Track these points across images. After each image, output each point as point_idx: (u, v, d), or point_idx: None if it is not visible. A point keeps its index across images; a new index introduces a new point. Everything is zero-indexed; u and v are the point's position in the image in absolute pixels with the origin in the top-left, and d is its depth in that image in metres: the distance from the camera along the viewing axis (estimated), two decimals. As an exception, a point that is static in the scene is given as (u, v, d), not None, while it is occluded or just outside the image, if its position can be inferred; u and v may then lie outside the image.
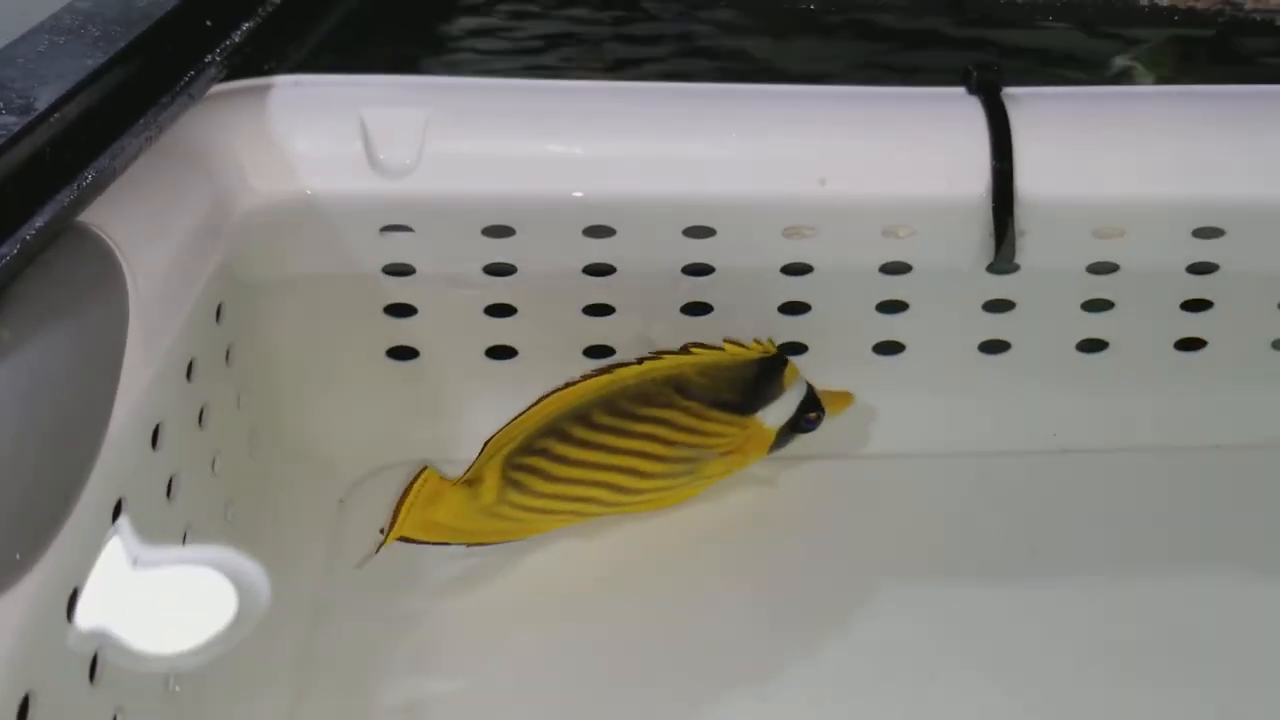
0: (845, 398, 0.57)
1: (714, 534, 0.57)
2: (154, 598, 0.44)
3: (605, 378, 0.53)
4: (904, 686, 0.51)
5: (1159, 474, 0.61)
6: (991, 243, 0.56)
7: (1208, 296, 0.59)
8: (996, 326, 0.60)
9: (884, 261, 0.57)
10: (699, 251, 0.57)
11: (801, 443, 0.57)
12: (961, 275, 0.58)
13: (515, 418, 0.53)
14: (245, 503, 0.54)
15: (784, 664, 0.51)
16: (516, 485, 0.52)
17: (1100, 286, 0.59)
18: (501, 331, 0.59)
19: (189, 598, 0.49)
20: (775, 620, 0.53)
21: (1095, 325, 0.60)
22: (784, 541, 0.57)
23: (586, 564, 0.55)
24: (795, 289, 0.58)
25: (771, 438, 0.55)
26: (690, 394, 0.53)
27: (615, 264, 0.57)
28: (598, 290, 0.58)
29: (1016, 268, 0.57)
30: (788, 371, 0.55)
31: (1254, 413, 0.62)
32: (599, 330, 0.59)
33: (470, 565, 0.55)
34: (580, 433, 0.52)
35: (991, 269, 0.58)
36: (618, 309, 0.58)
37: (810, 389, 0.56)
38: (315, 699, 0.50)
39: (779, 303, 0.59)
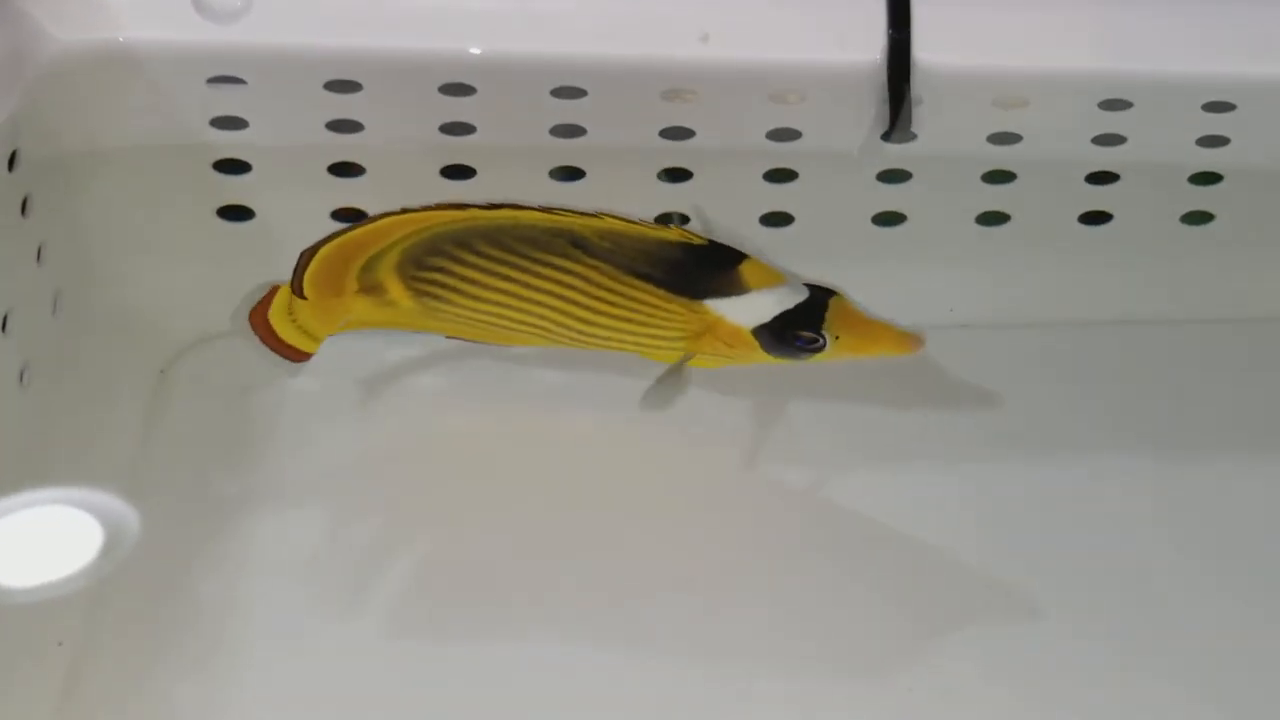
0: (900, 340, 0.50)
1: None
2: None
3: (472, 212, 0.48)
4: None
5: (1060, 350, 0.59)
6: (887, 111, 0.52)
7: (1114, 169, 0.55)
8: (892, 198, 0.56)
9: (771, 128, 0.53)
10: (569, 113, 0.52)
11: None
12: (855, 144, 0.53)
13: (350, 230, 0.48)
14: (45, 368, 0.49)
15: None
16: (429, 295, 0.49)
17: (1001, 158, 0.55)
18: (348, 193, 0.53)
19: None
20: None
21: (995, 198, 0.56)
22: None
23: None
24: (676, 155, 0.54)
25: (748, 337, 0.50)
26: (593, 253, 0.49)
27: (475, 124, 0.52)
28: (455, 151, 0.53)
29: (913, 137, 0.53)
30: (748, 269, 0.50)
31: (1160, 288, 0.60)
32: (457, 193, 0.53)
33: (304, 436, 0.51)
34: (469, 257, 0.49)
35: (887, 139, 0.53)
36: (478, 171, 0.53)
37: (814, 303, 0.49)
38: (126, 580, 0.46)
39: (659, 169, 0.54)
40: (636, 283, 0.49)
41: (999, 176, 0.55)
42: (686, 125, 0.53)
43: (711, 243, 0.50)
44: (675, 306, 0.50)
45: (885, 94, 0.51)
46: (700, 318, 0.50)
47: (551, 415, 0.53)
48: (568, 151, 0.53)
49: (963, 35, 0.51)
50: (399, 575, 0.46)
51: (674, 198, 0.55)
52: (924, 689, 0.47)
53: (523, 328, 0.51)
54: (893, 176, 0.55)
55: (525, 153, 0.53)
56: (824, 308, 0.49)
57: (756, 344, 0.50)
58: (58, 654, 0.43)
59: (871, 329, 0.50)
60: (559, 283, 0.49)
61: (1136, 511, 0.53)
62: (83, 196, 0.52)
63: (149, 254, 0.54)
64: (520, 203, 0.49)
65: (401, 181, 0.53)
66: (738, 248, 0.50)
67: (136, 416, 0.51)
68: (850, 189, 0.55)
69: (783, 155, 0.54)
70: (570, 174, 0.54)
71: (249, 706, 0.43)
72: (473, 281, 0.49)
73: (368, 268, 0.49)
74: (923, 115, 0.52)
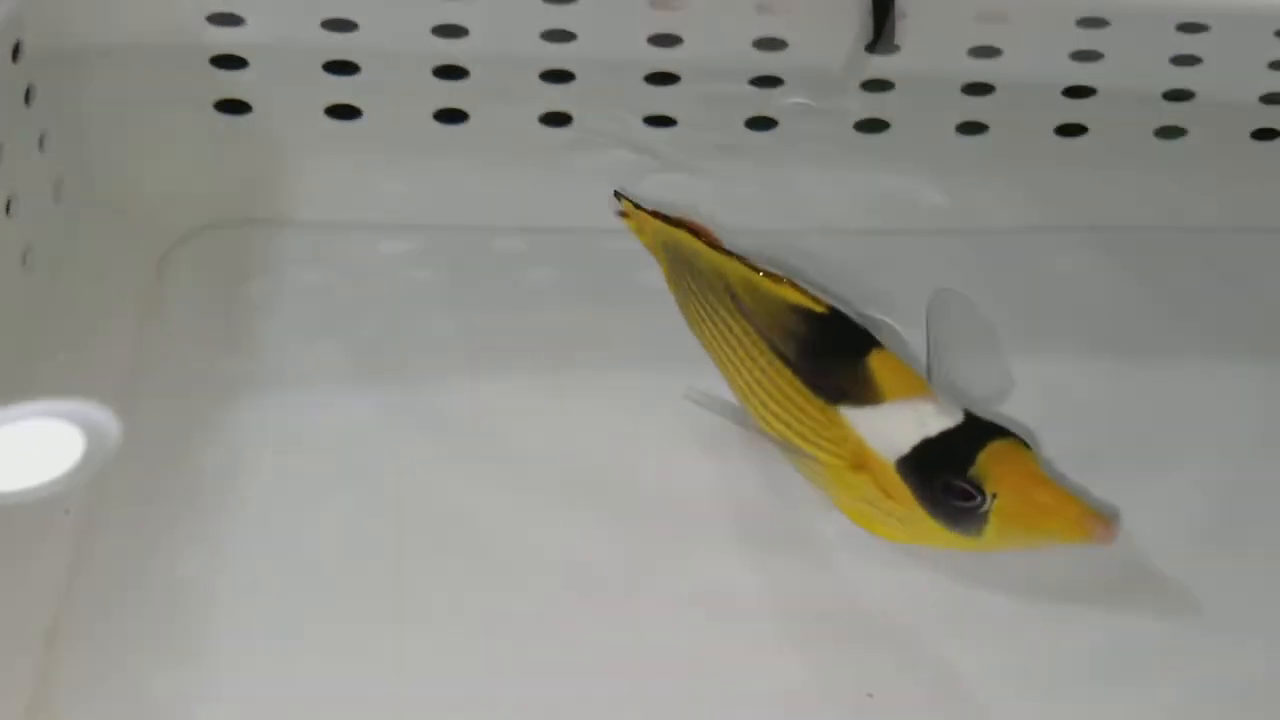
0: (1085, 523, 0.35)
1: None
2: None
3: (657, 223, 0.47)
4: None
5: (1036, 254, 0.58)
6: (871, 23, 0.53)
7: (1091, 84, 0.57)
8: (875, 106, 0.57)
9: (757, 37, 0.54)
10: (560, 18, 0.53)
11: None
12: (839, 54, 0.55)
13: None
14: (48, 252, 0.51)
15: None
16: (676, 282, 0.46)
17: (981, 71, 0.56)
18: (343, 90, 0.55)
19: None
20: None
21: (975, 108, 0.57)
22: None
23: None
24: (664, 60, 0.54)
25: (896, 476, 0.37)
26: (743, 310, 0.41)
27: (467, 27, 0.53)
28: (448, 54, 0.54)
29: (897, 49, 0.55)
30: (878, 363, 0.38)
31: (1132, 196, 0.60)
32: (450, 95, 0.55)
33: (300, 325, 0.52)
34: (684, 274, 0.45)
35: (871, 50, 0.54)
36: (470, 74, 0.54)
37: (967, 433, 0.36)
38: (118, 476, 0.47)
39: (645, 73, 0.55)
40: (778, 364, 0.40)
41: (979, 89, 0.57)
42: (675, 33, 0.53)
43: (833, 311, 0.40)
44: (815, 411, 0.39)
45: (870, 6, 0.52)
46: (844, 435, 0.38)
47: (554, 310, 0.53)
48: (558, 56, 0.54)
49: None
50: (393, 463, 0.48)
51: (662, 100, 0.56)
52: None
53: (730, 370, 0.43)
54: (876, 86, 0.56)
55: (517, 57, 0.54)
56: (980, 446, 0.36)
57: (909, 492, 0.37)
58: (64, 521, 0.45)
59: (1045, 495, 0.36)
60: (727, 340, 0.42)
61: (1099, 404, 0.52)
62: (84, 89, 0.52)
63: (148, 145, 0.55)
64: (696, 223, 0.45)
65: (396, 81, 0.54)
66: (869, 331, 0.40)
67: (134, 301, 0.52)
68: (834, 97, 0.56)
69: (768, 64, 0.55)
70: (560, 77, 0.55)
71: (254, 562, 0.44)
72: (692, 295, 0.44)
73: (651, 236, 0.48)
74: (906, 28, 0.53)
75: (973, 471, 0.35)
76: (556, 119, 0.56)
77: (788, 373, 0.39)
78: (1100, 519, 0.35)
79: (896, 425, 0.37)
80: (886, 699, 0.41)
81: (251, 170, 0.56)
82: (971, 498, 0.35)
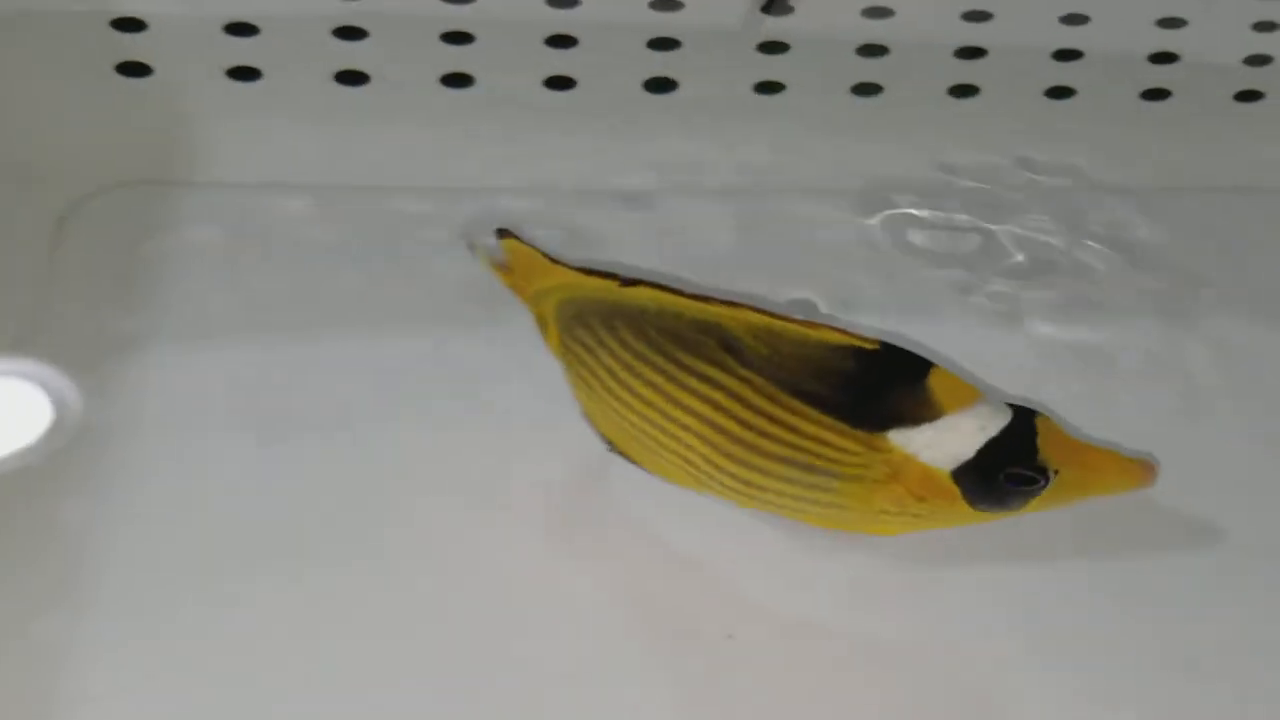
0: (1127, 471, 0.39)
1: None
2: None
3: (608, 285, 0.41)
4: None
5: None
6: (764, -15, 0.54)
7: (982, 44, 0.58)
8: (771, 68, 0.58)
9: (653, -2, 0.55)
10: None
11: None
12: (735, 16, 0.55)
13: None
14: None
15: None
16: (580, 371, 0.42)
17: (875, 32, 0.57)
18: (244, 52, 0.55)
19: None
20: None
21: (869, 70, 0.58)
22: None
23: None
24: (560, 21, 0.55)
25: (946, 482, 0.38)
26: (747, 361, 0.39)
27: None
28: (349, 11, 0.54)
29: (791, 10, 0.55)
30: (938, 382, 0.39)
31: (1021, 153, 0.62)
32: (353, 56, 0.55)
33: (202, 284, 0.52)
34: (612, 343, 0.40)
35: (767, 11, 0.55)
36: (370, 34, 0.55)
37: (1021, 426, 0.38)
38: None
39: (544, 35, 0.56)
40: (800, 406, 0.38)
41: (873, 50, 0.58)
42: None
43: (886, 346, 0.39)
44: (850, 443, 0.38)
45: (763, -32, 0.53)
46: (885, 458, 0.38)
47: (449, 267, 0.54)
48: (457, 16, 0.54)
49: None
50: (291, 420, 0.49)
51: (559, 62, 0.56)
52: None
53: (668, 454, 0.41)
54: (772, 48, 0.57)
55: (416, 17, 0.54)
56: (1034, 432, 0.38)
57: (958, 492, 0.38)
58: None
59: (1093, 457, 0.39)
60: (707, 400, 0.39)
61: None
62: (-18, 51, 0.52)
63: (48, 108, 0.55)
64: (661, 282, 0.41)
65: (297, 41, 0.54)
66: (923, 357, 0.39)
67: (33, 262, 0.52)
68: (731, 58, 0.57)
69: (666, 24, 0.56)
70: (461, 38, 0.55)
71: (148, 514, 0.45)
72: (615, 376, 0.40)
73: (538, 296, 0.43)
74: (799, -11, 0.54)
75: (1040, 458, 0.38)
76: (458, 80, 0.56)
77: (813, 412, 0.38)
78: (1144, 464, 0.39)
79: (958, 435, 0.38)
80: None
81: (152, 132, 0.56)
82: (1036, 481, 0.38)
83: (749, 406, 0.39)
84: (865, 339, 0.39)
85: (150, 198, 0.54)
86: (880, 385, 0.38)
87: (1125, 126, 0.61)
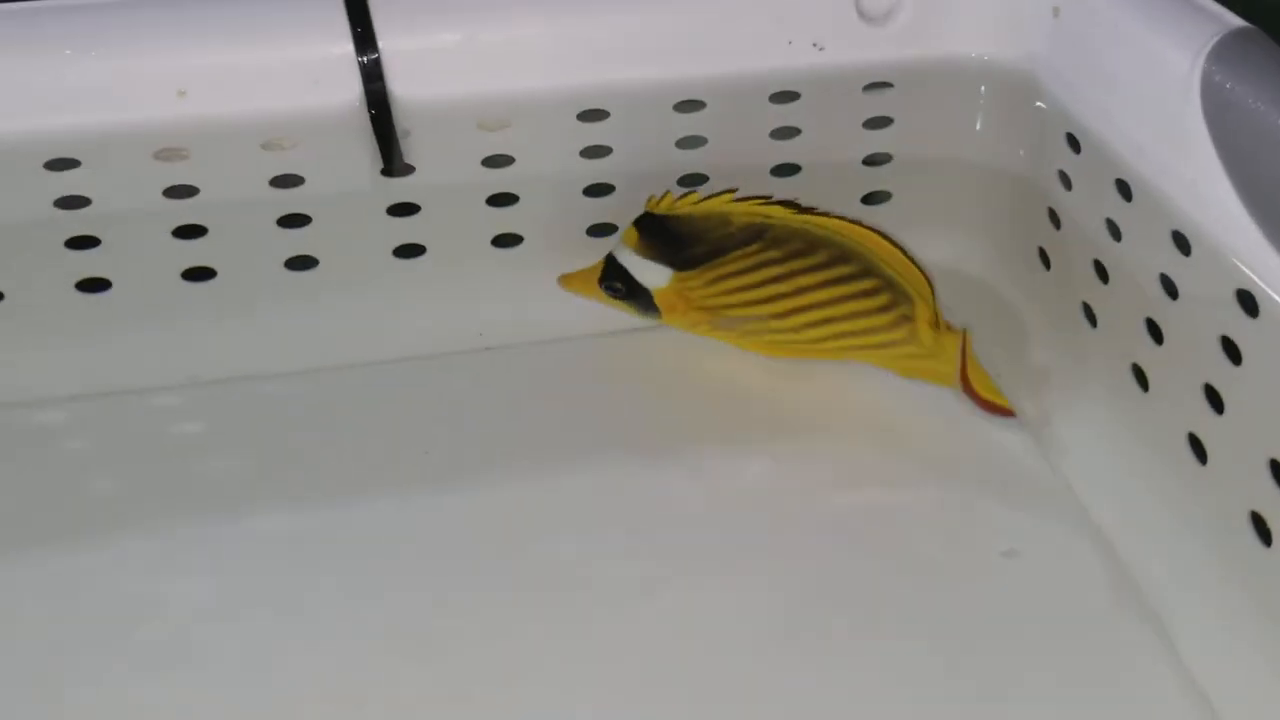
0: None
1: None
2: None
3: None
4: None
5: (604, 361, 0.60)
6: (377, 148, 0.55)
7: (607, 181, 0.59)
8: (407, 231, 0.59)
9: (273, 175, 0.55)
10: (180, 175, 0.54)
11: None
12: (358, 182, 0.56)
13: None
14: None
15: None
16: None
17: (500, 180, 0.58)
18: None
19: None
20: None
21: (505, 220, 0.59)
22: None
23: None
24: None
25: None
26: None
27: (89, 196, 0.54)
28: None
29: (412, 169, 0.56)
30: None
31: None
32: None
33: None
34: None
35: (387, 174, 0.56)
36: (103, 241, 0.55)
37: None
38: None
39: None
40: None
41: (503, 199, 0.59)
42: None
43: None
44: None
45: (372, 131, 0.54)
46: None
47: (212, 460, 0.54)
48: (188, 211, 0.55)
49: (435, 63, 0.54)
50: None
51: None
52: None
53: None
54: (403, 210, 0.58)
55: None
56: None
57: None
58: None
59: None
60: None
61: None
62: None
63: None
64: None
65: (30, 256, 0.54)
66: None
67: None
68: (365, 227, 0.58)
69: (291, 201, 0.56)
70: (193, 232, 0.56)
71: None
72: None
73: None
74: (412, 146, 0.55)
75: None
76: (199, 274, 0.57)
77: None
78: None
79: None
80: None
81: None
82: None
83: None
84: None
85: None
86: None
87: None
